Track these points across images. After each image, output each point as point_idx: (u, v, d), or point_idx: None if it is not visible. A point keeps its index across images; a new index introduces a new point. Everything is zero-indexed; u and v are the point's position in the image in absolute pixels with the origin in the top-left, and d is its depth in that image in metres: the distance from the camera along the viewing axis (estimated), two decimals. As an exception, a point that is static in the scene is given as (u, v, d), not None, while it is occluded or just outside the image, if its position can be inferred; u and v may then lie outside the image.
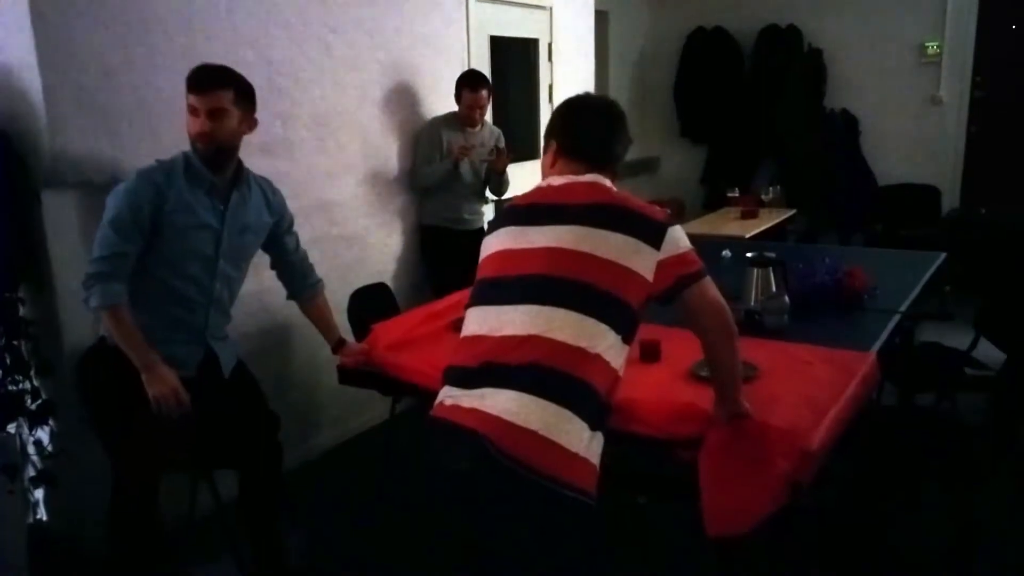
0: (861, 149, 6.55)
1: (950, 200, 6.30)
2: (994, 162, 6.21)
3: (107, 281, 2.19)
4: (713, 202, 6.60)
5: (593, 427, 1.56)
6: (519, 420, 1.50)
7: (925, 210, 6.26)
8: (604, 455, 1.60)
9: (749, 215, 5.43)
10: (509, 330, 1.61)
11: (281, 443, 2.61)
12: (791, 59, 6.51)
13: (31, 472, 2.73)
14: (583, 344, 1.56)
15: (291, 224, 2.67)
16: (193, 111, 2.29)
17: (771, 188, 5.91)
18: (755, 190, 6.12)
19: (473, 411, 1.54)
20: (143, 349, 2.23)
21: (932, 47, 6.19)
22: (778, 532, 2.31)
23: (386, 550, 2.89)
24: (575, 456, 1.51)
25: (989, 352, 3.33)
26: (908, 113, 6.36)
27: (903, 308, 2.90)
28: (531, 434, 1.49)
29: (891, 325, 2.73)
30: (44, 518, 2.92)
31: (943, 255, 3.71)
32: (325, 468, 3.58)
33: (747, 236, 4.77)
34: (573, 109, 1.86)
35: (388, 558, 2.84)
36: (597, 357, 1.57)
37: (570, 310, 1.59)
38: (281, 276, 2.71)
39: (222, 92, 2.29)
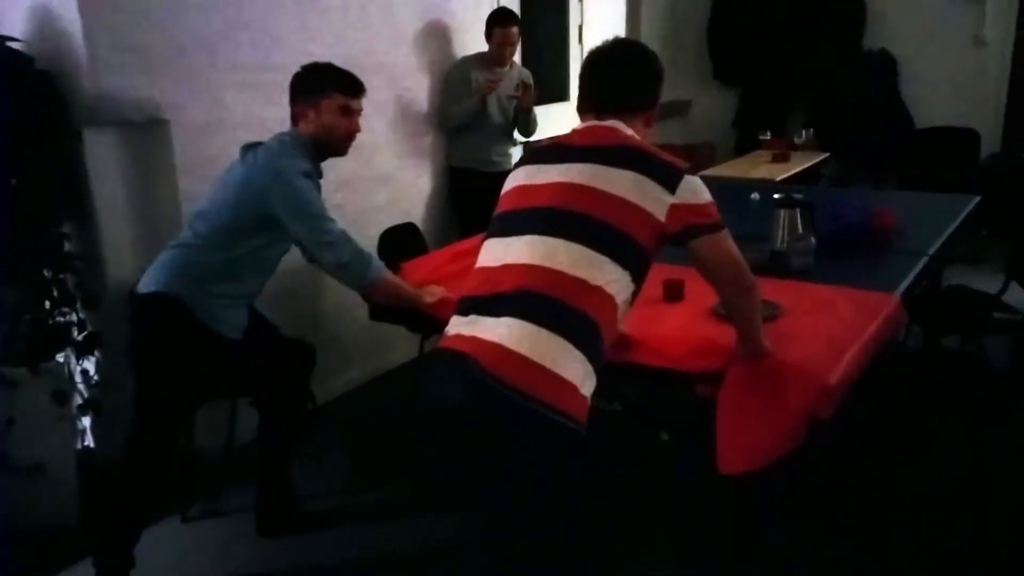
0: (899, 91, 6.40)
1: (990, 144, 6.15)
2: (1037, 105, 6.05)
3: (367, 253, 2.38)
4: (745, 146, 6.51)
5: (590, 359, 1.55)
6: (513, 345, 1.51)
7: (963, 154, 6.12)
8: (627, 395, 1.63)
9: (780, 159, 5.36)
10: (511, 259, 1.63)
11: (309, 385, 2.70)
12: (829, -3, 6.34)
13: (78, 400, 2.87)
14: (582, 275, 1.57)
15: None
16: (349, 112, 2.48)
17: (804, 131, 5.82)
18: (787, 133, 6.03)
19: (471, 338, 1.56)
20: (421, 290, 2.44)
21: (977, -15, 5.99)
22: (795, 472, 2.36)
23: (409, 481, 3.01)
24: (568, 385, 1.51)
25: (1020, 297, 3.32)
26: (950, 54, 6.17)
27: (931, 251, 2.89)
28: (524, 359, 1.49)
29: (918, 267, 2.72)
30: (91, 444, 3.07)
31: (977, 199, 3.66)
32: (355, 403, 3.69)
33: (777, 180, 4.72)
34: (584, 64, 1.88)
35: (412, 488, 2.96)
36: (598, 289, 1.57)
37: (572, 241, 1.59)
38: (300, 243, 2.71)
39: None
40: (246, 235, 2.34)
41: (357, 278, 2.36)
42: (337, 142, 2.49)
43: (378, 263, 2.38)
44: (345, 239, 2.33)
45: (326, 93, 2.43)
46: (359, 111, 2.51)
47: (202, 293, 2.31)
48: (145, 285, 2.35)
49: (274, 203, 2.29)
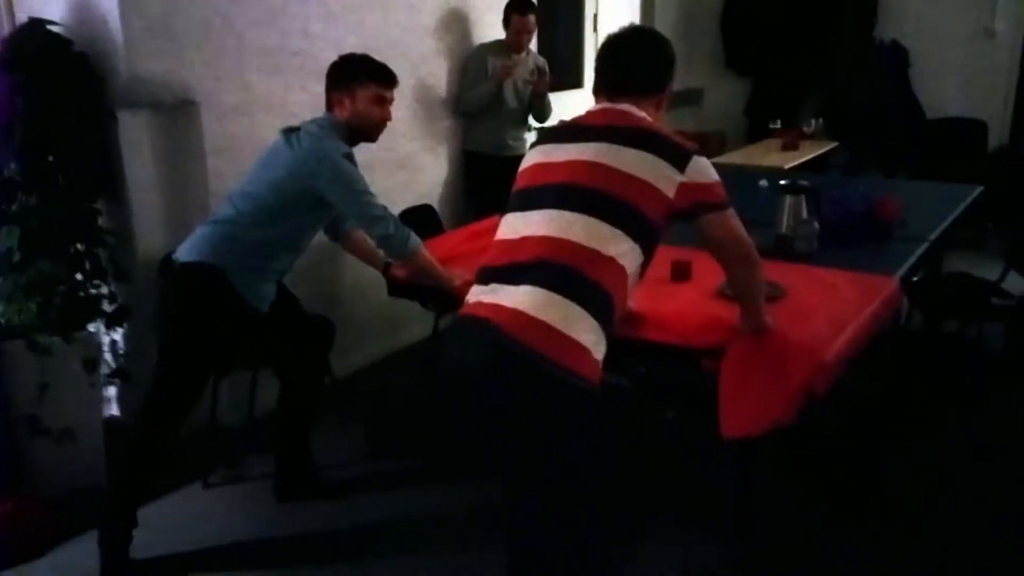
0: (910, 82, 6.46)
1: (999, 135, 6.23)
2: (1047, 97, 6.11)
3: (406, 228, 2.52)
4: (757, 135, 6.58)
5: (602, 325, 1.64)
6: (531, 311, 1.60)
7: (972, 144, 6.19)
8: (636, 370, 1.72)
9: (790, 147, 5.44)
10: (529, 232, 1.73)
11: (328, 359, 2.83)
12: (842, -12, 6.40)
13: (106, 369, 3.00)
14: (595, 246, 1.66)
15: None
16: (382, 101, 2.61)
17: (813, 121, 5.89)
18: (798, 123, 6.10)
19: (492, 305, 1.65)
20: (448, 271, 2.56)
21: (988, -23, 6.04)
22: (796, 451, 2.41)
23: (424, 451, 3.14)
24: (582, 348, 1.60)
25: (1020, 285, 3.40)
26: (960, 45, 6.23)
27: (931, 237, 2.98)
28: (541, 323, 1.59)
29: (918, 252, 2.82)
30: (116, 413, 3.20)
31: (979, 188, 3.75)
32: (371, 378, 3.81)
33: (786, 167, 4.81)
34: (600, 49, 1.97)
35: (426, 460, 3.09)
36: (611, 260, 1.66)
37: (585, 214, 1.68)
38: (330, 224, 2.80)
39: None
40: (288, 215, 2.47)
41: (399, 249, 2.50)
42: (370, 128, 2.62)
43: (416, 238, 2.53)
44: (389, 214, 2.50)
45: (362, 82, 2.56)
46: (391, 100, 2.64)
47: (241, 266, 2.44)
48: (187, 254, 2.46)
49: (321, 184, 2.42)
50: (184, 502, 2.81)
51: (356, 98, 2.56)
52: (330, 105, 2.61)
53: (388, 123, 2.68)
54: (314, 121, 2.57)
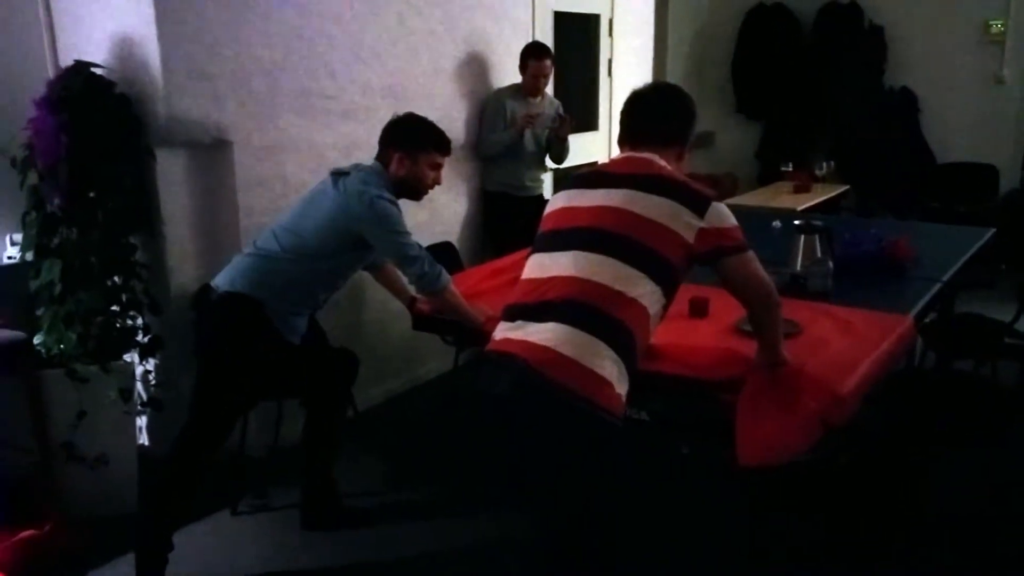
0: (920, 127, 6.56)
1: (1009, 180, 6.30)
2: (1055, 142, 6.19)
3: (438, 266, 2.59)
4: (767, 177, 6.68)
5: (624, 361, 1.73)
6: (557, 346, 1.68)
7: (982, 189, 6.27)
8: (654, 404, 1.79)
9: (801, 189, 5.53)
10: (556, 271, 1.82)
11: (352, 393, 2.91)
12: (851, 36, 6.52)
13: (138, 399, 3.07)
14: (620, 287, 1.74)
15: None
16: (436, 167, 2.73)
17: (825, 163, 5.98)
18: (809, 165, 6.19)
19: (520, 341, 1.74)
20: (474, 308, 2.59)
21: (996, 25, 6.14)
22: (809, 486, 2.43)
23: (444, 483, 3.19)
24: (607, 382, 1.68)
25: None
26: (969, 92, 6.33)
27: (944, 278, 3.04)
28: (567, 359, 1.67)
29: (931, 292, 2.86)
30: (146, 443, 3.27)
31: (992, 231, 3.80)
32: (392, 411, 3.88)
33: (798, 209, 4.89)
34: (626, 102, 2.07)
35: (445, 489, 3.14)
36: (634, 301, 1.75)
37: (611, 257, 1.78)
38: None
39: None
40: (328, 254, 2.55)
41: (431, 286, 2.56)
42: (421, 190, 2.74)
43: (447, 276, 2.59)
44: (424, 253, 2.57)
45: (425, 149, 2.67)
46: (443, 165, 2.76)
47: (278, 299, 2.52)
48: (228, 284, 2.53)
49: (362, 225, 2.51)
50: (213, 529, 2.88)
51: (417, 161, 2.66)
52: (385, 159, 2.67)
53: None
54: (365, 168, 2.64)
